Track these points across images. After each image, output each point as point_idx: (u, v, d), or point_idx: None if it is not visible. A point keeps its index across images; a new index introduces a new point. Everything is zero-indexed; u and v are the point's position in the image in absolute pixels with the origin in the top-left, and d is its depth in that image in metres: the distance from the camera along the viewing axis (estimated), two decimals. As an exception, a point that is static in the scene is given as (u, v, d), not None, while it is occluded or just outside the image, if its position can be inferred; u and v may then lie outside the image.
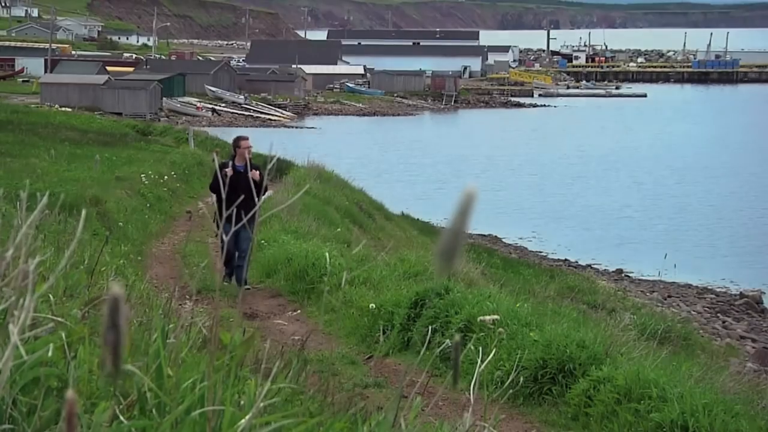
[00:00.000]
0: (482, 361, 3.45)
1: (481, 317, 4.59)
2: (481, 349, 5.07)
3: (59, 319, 3.14)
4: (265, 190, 16.85)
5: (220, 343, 3.14)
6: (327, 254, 14.89)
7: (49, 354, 2.72)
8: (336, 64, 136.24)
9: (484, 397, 4.19)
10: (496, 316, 4.29)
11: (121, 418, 2.74)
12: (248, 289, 17.49)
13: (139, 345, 3.41)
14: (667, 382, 9.66)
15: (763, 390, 11.99)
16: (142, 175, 30.48)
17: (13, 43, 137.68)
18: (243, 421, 2.57)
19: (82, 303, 4.13)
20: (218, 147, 50.10)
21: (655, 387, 9.50)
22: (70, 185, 24.22)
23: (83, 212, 2.63)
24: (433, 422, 4.80)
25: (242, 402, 2.88)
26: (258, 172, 16.78)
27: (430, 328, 12.53)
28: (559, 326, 11.82)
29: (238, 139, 17.70)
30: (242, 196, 14.87)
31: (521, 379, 10.39)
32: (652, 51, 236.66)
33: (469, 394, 3.54)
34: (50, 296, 3.61)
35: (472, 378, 3.45)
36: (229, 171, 16.22)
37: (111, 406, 2.64)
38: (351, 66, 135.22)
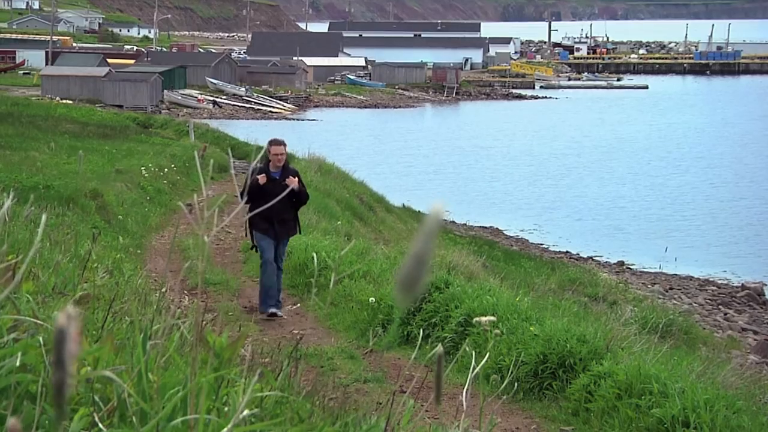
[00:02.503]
0: (477, 365, 3.36)
1: (477, 318, 4.50)
2: (474, 353, 4.98)
3: (39, 321, 3.05)
4: (305, 200, 15.78)
5: (207, 344, 3.05)
6: (315, 255, 14.61)
7: (17, 363, 2.64)
8: (337, 56, 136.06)
9: (481, 398, 4.11)
10: (492, 318, 4.21)
11: (100, 425, 2.66)
12: (273, 313, 15.10)
13: (125, 346, 3.32)
14: (669, 377, 9.59)
15: (765, 385, 11.92)
16: (143, 168, 30.44)
17: (14, 36, 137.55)
18: (224, 430, 2.48)
19: (68, 302, 4.04)
20: (218, 139, 50.09)
21: (656, 382, 9.42)
22: (69, 178, 24.17)
23: (44, 217, 2.54)
24: (428, 422, 4.72)
25: (227, 408, 2.80)
26: (297, 178, 14.81)
27: (421, 327, 12.48)
28: (559, 320, 11.75)
29: (270, 143, 15.01)
30: (277, 206, 14.57)
31: (515, 384, 10.30)
32: (653, 42, 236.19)
33: (473, 387, 3.46)
34: (29, 296, 3.52)
35: (468, 380, 3.37)
36: (261, 178, 14.54)
37: (90, 412, 2.57)
38: (352, 58, 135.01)
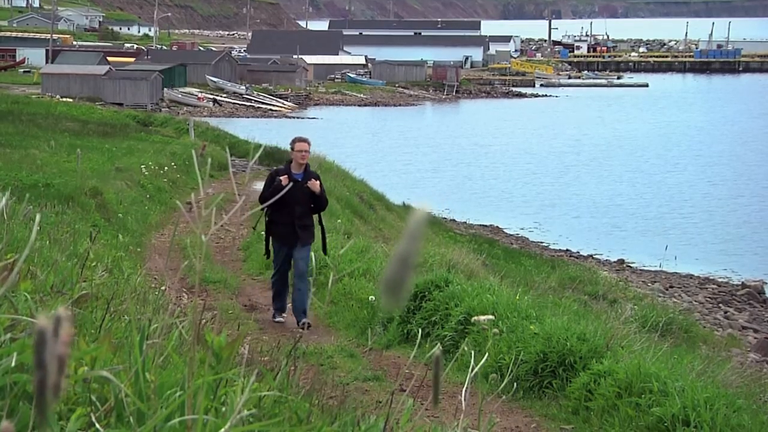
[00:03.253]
0: (477, 364, 3.34)
1: (475, 317, 4.48)
2: (474, 351, 4.97)
3: (35, 321, 3.03)
4: (325, 206, 15.39)
5: (205, 343, 3.04)
6: (313, 254, 14.40)
7: (13, 363, 2.62)
8: (337, 54, 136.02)
9: (480, 397, 4.09)
10: (491, 317, 4.18)
11: (97, 426, 2.64)
12: (308, 325, 14.42)
13: (123, 345, 3.31)
14: (669, 375, 9.57)
15: (765, 383, 11.90)
16: (143, 166, 30.45)
17: (14, 34, 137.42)
18: (222, 430, 2.47)
19: (65, 301, 4.03)
20: (218, 138, 50.06)
21: (656, 381, 9.40)
22: (69, 176, 24.16)
23: (38, 216, 2.53)
24: (428, 421, 4.70)
25: (225, 408, 2.79)
26: (318, 182, 14.44)
27: (421, 326, 12.45)
28: (559, 319, 11.73)
29: (293, 141, 14.64)
30: (297, 210, 14.53)
31: (515, 383, 10.28)
32: (653, 41, 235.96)
33: (472, 386, 3.45)
34: (27, 295, 3.51)
35: (467, 379, 3.36)
36: (283, 180, 14.08)
37: (87, 412, 2.55)
38: (352, 56, 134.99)
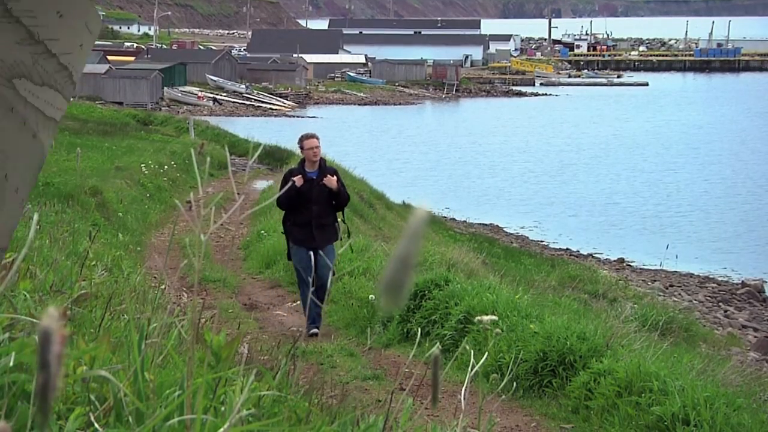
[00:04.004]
0: (477, 363, 3.34)
1: (478, 317, 4.49)
2: (474, 351, 4.97)
3: (36, 320, 3.03)
4: (346, 201, 14.72)
5: (204, 343, 3.04)
6: (311, 253, 14.11)
7: (11, 363, 2.62)
8: (337, 53, 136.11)
9: (480, 396, 4.08)
10: (494, 317, 4.19)
11: (96, 425, 2.64)
12: (314, 333, 13.77)
13: (122, 344, 3.31)
14: (669, 374, 9.56)
15: (765, 382, 11.90)
16: (142, 165, 30.45)
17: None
18: (221, 430, 2.46)
19: (65, 300, 4.02)
20: (218, 136, 50.08)
21: (656, 380, 9.39)
22: (69, 175, 24.13)
23: (36, 216, 2.53)
24: (427, 421, 4.70)
25: (224, 408, 2.79)
26: (335, 177, 13.72)
27: (421, 325, 12.44)
28: (559, 318, 11.72)
29: (301, 139, 13.92)
30: (315, 210, 14.29)
31: (515, 382, 10.27)
32: (653, 40, 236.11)
33: (472, 386, 3.44)
34: (27, 294, 3.50)
35: (467, 379, 3.35)
36: (297, 180, 13.40)
37: (86, 412, 2.55)
38: (352, 55, 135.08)
